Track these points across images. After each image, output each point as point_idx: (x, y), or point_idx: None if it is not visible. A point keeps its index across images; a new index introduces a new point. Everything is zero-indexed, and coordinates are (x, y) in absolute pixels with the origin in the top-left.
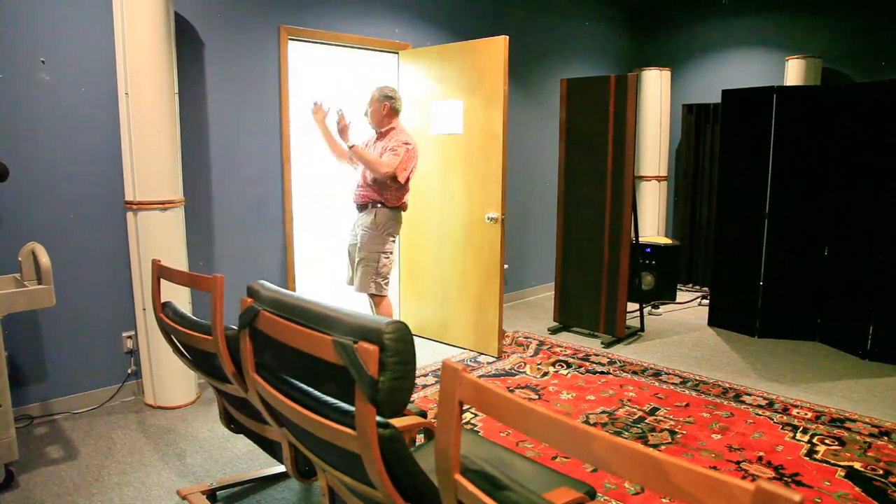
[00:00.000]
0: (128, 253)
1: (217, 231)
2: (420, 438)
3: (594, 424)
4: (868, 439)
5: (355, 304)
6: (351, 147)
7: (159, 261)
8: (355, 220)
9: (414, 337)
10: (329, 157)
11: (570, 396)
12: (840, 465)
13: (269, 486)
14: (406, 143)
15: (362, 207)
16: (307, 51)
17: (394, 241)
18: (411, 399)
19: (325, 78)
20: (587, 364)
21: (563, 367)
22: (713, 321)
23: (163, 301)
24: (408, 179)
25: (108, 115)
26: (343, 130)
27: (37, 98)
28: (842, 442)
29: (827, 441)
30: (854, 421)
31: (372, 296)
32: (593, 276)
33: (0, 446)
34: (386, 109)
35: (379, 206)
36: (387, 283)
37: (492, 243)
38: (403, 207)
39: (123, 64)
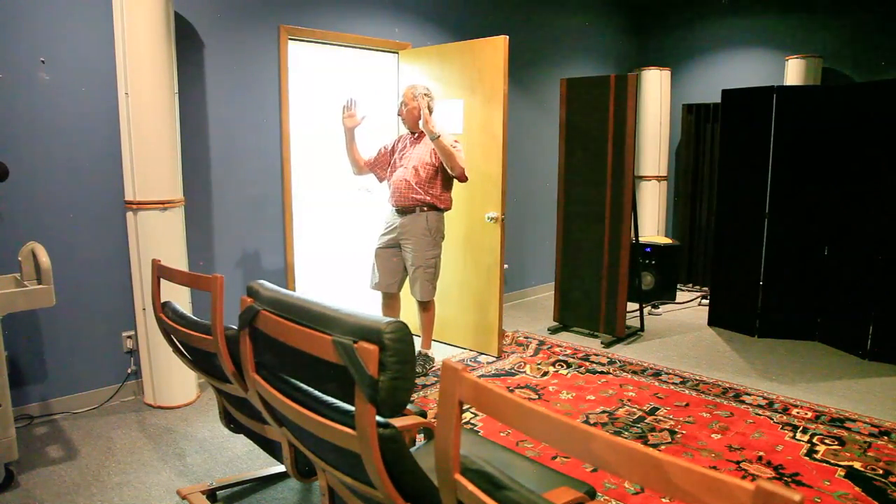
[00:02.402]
0: (128, 253)
1: (217, 231)
2: (420, 438)
3: (594, 424)
4: (868, 439)
5: (355, 304)
6: (437, 138)
7: (159, 260)
8: (392, 223)
9: (414, 337)
10: (334, 164)
11: (570, 396)
12: (840, 465)
13: (269, 486)
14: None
15: (407, 211)
16: (307, 51)
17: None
18: (411, 399)
19: (325, 78)
20: (587, 364)
21: (562, 366)
22: (713, 321)
23: (163, 301)
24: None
25: (108, 115)
26: (426, 121)
27: (37, 98)
28: (842, 442)
29: (827, 441)
30: (854, 421)
31: (426, 302)
32: (593, 276)
33: (0, 446)
34: (428, 109)
35: (429, 209)
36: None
37: (492, 243)
38: (450, 208)
39: (123, 64)
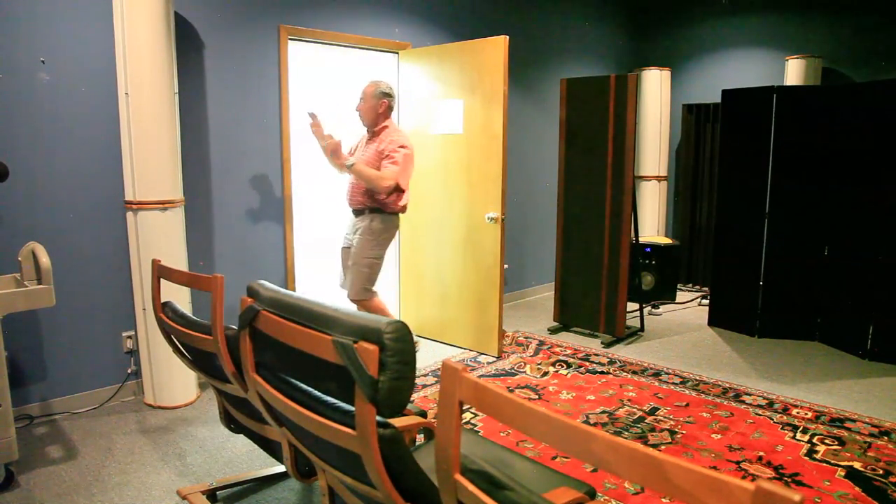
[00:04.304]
0: (128, 253)
1: (217, 231)
2: (420, 438)
3: (594, 424)
4: (868, 439)
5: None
6: (351, 166)
7: (159, 260)
8: (352, 223)
9: (415, 337)
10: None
11: (570, 396)
12: (840, 465)
13: (269, 486)
14: (402, 147)
15: (358, 213)
16: (307, 51)
17: (388, 246)
18: (411, 399)
19: (325, 78)
20: (587, 364)
21: (563, 366)
22: (713, 321)
23: (163, 301)
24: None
25: (108, 115)
26: (335, 151)
27: (37, 98)
28: (842, 442)
29: (827, 441)
30: (854, 421)
31: (359, 301)
32: (593, 276)
33: (0, 446)
34: (383, 108)
35: (375, 212)
36: (373, 285)
37: (492, 243)
38: (403, 210)
39: (123, 64)
